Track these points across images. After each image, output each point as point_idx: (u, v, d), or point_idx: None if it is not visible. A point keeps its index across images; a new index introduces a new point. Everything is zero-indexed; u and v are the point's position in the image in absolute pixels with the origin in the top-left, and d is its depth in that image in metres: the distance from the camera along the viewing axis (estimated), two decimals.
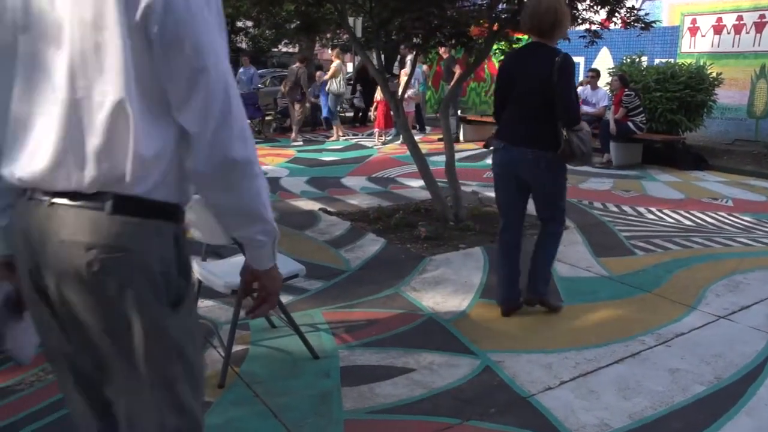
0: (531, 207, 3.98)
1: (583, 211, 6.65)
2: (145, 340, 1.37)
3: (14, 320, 1.59)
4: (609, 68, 11.71)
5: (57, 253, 1.33)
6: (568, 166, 3.81)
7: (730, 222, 6.29)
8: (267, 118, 14.30)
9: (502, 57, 7.51)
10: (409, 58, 12.21)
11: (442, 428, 2.75)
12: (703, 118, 10.54)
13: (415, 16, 5.96)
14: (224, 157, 1.34)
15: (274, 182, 8.05)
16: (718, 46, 11.64)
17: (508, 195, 3.92)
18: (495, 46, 6.93)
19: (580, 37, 6.40)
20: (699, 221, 6.33)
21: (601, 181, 8.53)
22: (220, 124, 1.33)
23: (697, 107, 10.26)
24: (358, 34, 10.60)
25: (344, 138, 13.17)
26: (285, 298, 3.87)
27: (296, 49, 19.29)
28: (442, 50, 11.01)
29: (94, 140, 1.29)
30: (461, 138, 12.57)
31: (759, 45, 11.10)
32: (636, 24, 6.26)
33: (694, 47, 12.00)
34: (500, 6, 6.13)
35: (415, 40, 6.68)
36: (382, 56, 6.56)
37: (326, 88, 13.48)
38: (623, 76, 10.09)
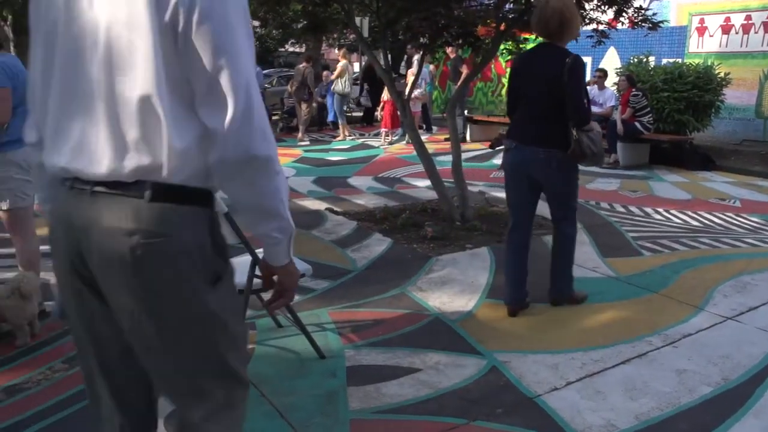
0: (539, 208, 4.00)
1: (590, 211, 6.64)
2: (189, 317, 1.46)
3: None
4: (616, 68, 11.68)
5: (101, 240, 1.40)
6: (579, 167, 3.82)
7: (737, 223, 6.27)
8: (274, 117, 14.32)
9: (509, 57, 7.50)
10: (415, 57, 12.23)
11: (448, 428, 2.75)
12: (711, 119, 10.49)
13: (422, 16, 5.95)
14: (244, 152, 1.39)
15: None
16: (726, 46, 11.59)
17: (518, 195, 3.93)
18: (502, 46, 6.92)
19: (588, 36, 6.38)
20: (706, 222, 6.30)
21: (608, 181, 8.51)
22: (240, 120, 1.36)
23: (704, 107, 10.22)
24: (365, 33, 10.62)
25: (351, 138, 13.18)
26: None
27: (303, 49, 19.30)
28: (449, 50, 11.02)
29: (132, 133, 1.36)
30: (468, 138, 12.56)
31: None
32: (643, 24, 6.24)
33: (702, 47, 11.95)
34: (507, 6, 6.12)
35: (422, 39, 6.68)
36: (389, 56, 6.56)
37: (332, 88, 13.49)
38: (630, 76, 10.05)
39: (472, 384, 3.12)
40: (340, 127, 13.29)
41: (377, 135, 13.10)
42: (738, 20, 11.40)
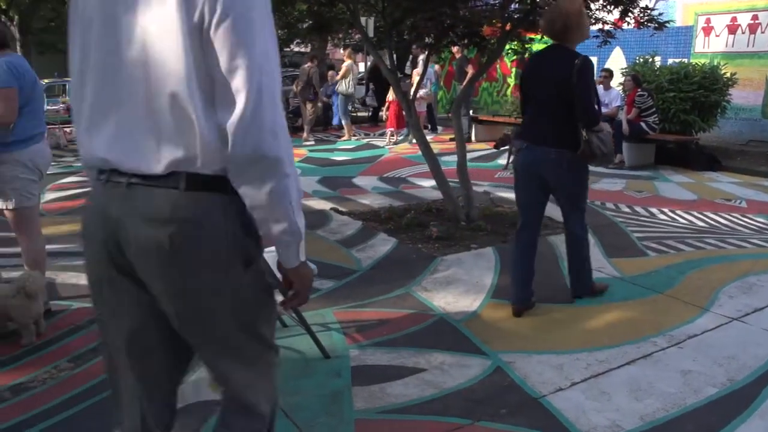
0: (548, 210, 4.01)
1: (596, 211, 6.62)
2: (228, 293, 1.54)
3: None
4: (622, 68, 11.63)
5: (138, 230, 1.46)
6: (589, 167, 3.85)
7: (743, 223, 6.25)
8: None
9: (514, 57, 7.49)
10: (421, 57, 12.23)
11: (452, 428, 2.75)
12: (717, 119, 10.44)
13: (427, 16, 5.95)
14: (252, 152, 1.40)
15: None
16: (733, 46, 11.54)
17: (528, 194, 3.94)
18: (507, 46, 6.91)
19: (593, 36, 6.34)
20: (712, 222, 6.28)
21: (614, 181, 8.49)
22: (249, 119, 1.38)
23: (710, 107, 10.17)
24: (370, 33, 10.60)
25: (356, 138, 13.18)
26: None
27: (308, 49, 19.29)
28: (454, 50, 11.01)
29: (166, 128, 1.43)
30: (473, 138, 12.55)
31: None
32: (649, 24, 6.22)
33: (708, 47, 11.90)
34: (513, 6, 6.11)
35: (427, 39, 6.68)
36: (394, 56, 6.56)
37: (336, 88, 13.49)
38: (636, 76, 10.02)
39: (477, 384, 3.12)
40: (345, 127, 13.29)
41: (382, 135, 13.11)
42: (744, 20, 11.35)
